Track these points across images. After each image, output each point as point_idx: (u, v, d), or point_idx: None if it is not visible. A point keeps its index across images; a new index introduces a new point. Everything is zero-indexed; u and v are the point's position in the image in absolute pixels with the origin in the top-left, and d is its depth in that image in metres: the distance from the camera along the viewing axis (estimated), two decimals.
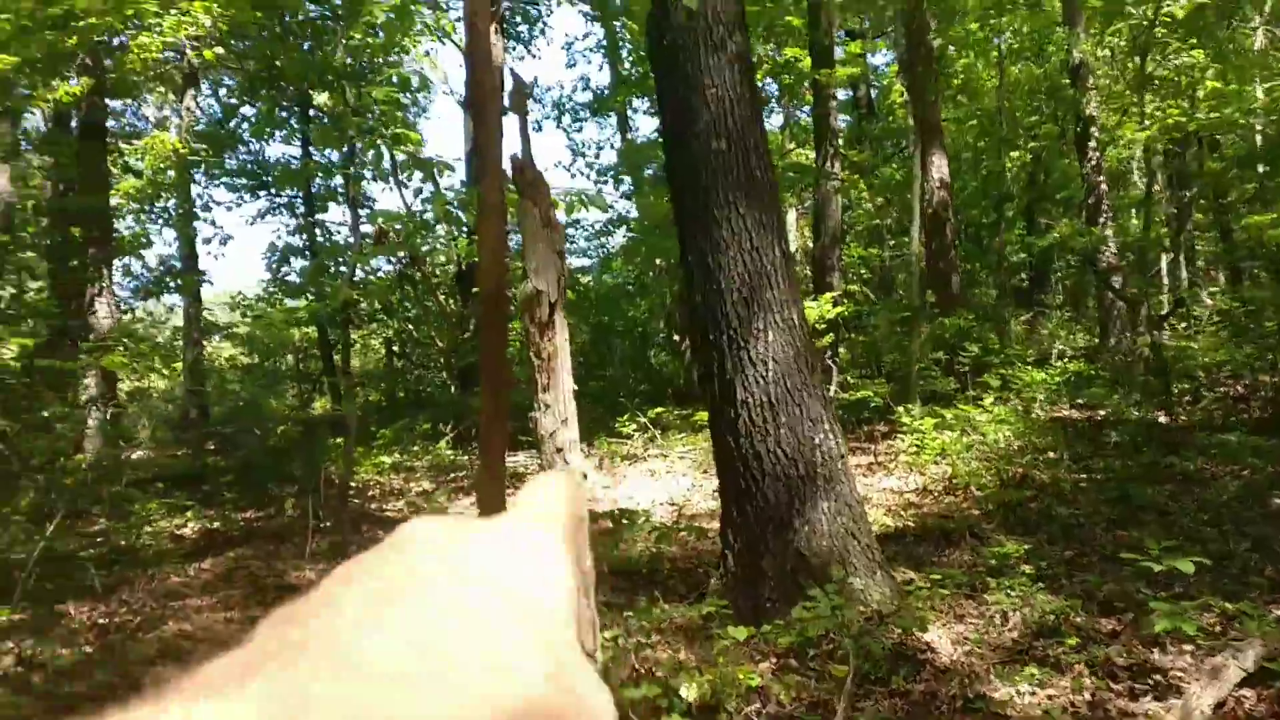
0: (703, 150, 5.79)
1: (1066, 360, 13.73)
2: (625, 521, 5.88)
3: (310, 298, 12.96)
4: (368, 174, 11.84)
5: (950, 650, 4.95)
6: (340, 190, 13.81)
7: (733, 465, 5.83)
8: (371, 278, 12.23)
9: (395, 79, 9.28)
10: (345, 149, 10.66)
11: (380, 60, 10.68)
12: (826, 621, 4.86)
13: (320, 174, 16.14)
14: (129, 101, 25.20)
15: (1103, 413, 11.44)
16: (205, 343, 22.28)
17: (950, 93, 18.69)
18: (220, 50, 10.27)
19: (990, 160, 19.27)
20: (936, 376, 12.10)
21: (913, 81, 13.21)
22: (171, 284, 22.78)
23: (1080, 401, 12.01)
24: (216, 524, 10.65)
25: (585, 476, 11.34)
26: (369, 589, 0.40)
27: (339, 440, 13.63)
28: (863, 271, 22.18)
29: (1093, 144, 15.52)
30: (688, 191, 5.94)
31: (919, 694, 4.53)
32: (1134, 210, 19.93)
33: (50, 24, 9.75)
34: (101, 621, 6.98)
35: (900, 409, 11.20)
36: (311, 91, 11.02)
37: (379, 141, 8.20)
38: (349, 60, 9.90)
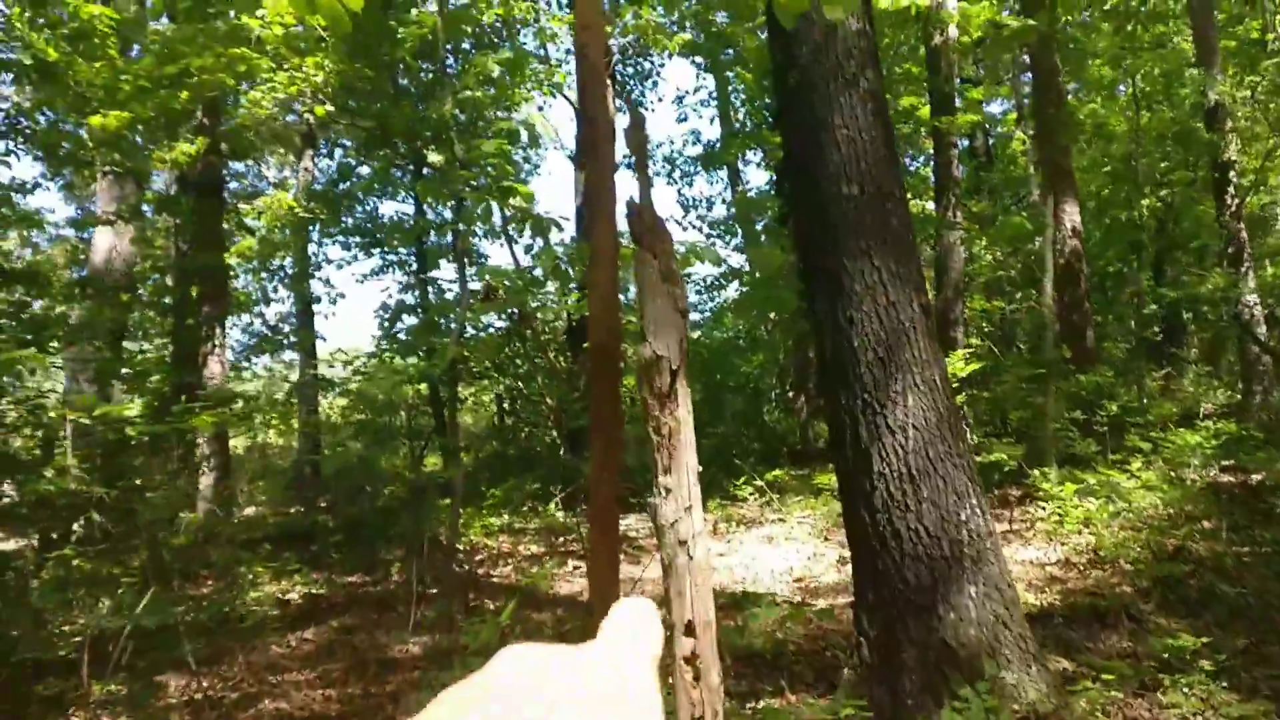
0: (833, 195, 5.31)
1: (1214, 420, 12.77)
2: (751, 609, 5.35)
3: (421, 355, 12.79)
4: (478, 230, 11.66)
5: None
6: (451, 246, 13.63)
7: (868, 543, 5.27)
8: (480, 334, 11.98)
9: (505, 132, 9.04)
10: (453, 203, 10.46)
11: (491, 114, 10.48)
12: None
13: (432, 230, 16.06)
14: (250, 163, 25.90)
15: (1258, 476, 10.50)
16: (321, 399, 22.47)
17: (1076, 139, 17.89)
18: (331, 108, 10.18)
19: (1119, 208, 18.35)
20: (1075, 437, 11.30)
21: (1042, 125, 12.53)
22: (285, 341, 23.10)
23: (1230, 464, 11.07)
24: (322, 590, 10.39)
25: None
26: None
27: (448, 501, 13.37)
28: (984, 325, 21.34)
29: (1232, 189, 14.60)
30: (815, 241, 5.46)
31: None
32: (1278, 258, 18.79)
33: (166, 83, 9.77)
34: (197, 697, 6.69)
35: (1035, 473, 10.46)
36: (424, 149, 10.84)
37: (487, 197, 7.95)
38: (458, 113, 9.70)
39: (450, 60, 13.29)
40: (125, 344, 19.00)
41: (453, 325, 9.95)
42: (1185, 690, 4.82)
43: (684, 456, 2.66)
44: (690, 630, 2.48)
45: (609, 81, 14.45)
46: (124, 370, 15.69)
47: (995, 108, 24.54)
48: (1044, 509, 9.63)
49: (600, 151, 3.18)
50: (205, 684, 7.07)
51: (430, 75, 10.81)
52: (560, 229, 8.43)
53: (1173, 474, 9.66)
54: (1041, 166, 12.44)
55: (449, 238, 15.80)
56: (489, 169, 8.29)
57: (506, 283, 8.15)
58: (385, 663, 7.41)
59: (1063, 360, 12.08)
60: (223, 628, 8.50)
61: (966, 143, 24.07)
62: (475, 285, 8.63)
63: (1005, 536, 9.85)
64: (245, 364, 24.72)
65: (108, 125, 9.11)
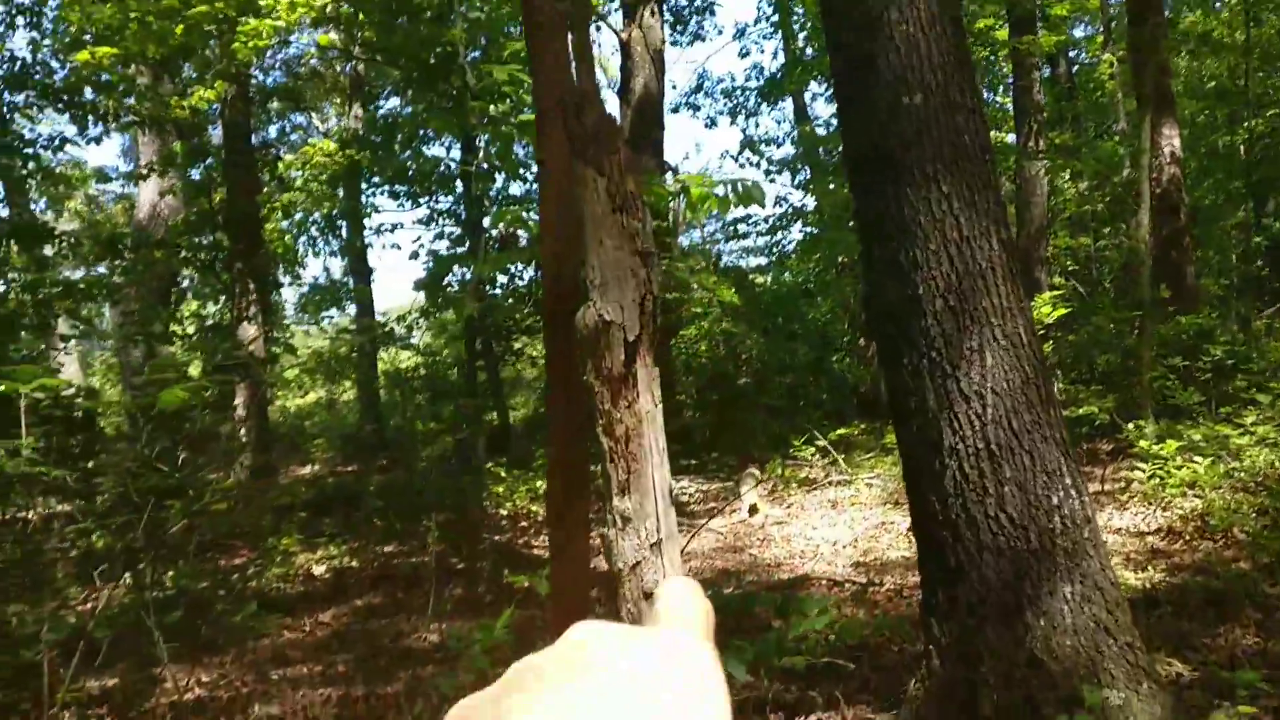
0: (890, 107, 4.31)
1: None
2: (796, 617, 4.46)
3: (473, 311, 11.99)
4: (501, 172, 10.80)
5: None
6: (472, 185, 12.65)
7: (937, 534, 4.33)
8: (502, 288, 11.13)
9: (522, 56, 8.08)
10: (464, 138, 9.61)
11: (506, 32, 9.48)
12: None
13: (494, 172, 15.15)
14: (306, 113, 25.32)
15: None
16: (382, 356, 21.98)
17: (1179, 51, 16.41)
18: (334, 35, 9.35)
19: (1219, 133, 16.86)
20: (1174, 386, 10.15)
21: (1138, 39, 11.23)
22: (339, 296, 22.62)
23: None
24: (353, 563, 9.73)
25: (754, 509, 9.93)
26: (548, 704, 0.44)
27: (502, 461, 12.65)
28: (1068, 263, 20.04)
29: None
30: (868, 165, 4.47)
31: None
32: None
33: (168, 16, 9.06)
34: (189, 697, 6.02)
35: (1130, 426, 9.39)
36: (435, 76, 9.88)
37: (506, 128, 7.08)
38: (468, 34, 8.74)
39: None
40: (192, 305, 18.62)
41: (466, 278, 9.10)
42: None
43: (649, 469, 1.76)
44: None
45: (655, 11, 13.41)
46: (173, 330, 15.23)
47: (1080, 31, 22.98)
48: (1141, 469, 8.56)
49: (542, 30, 2.26)
50: (205, 678, 6.43)
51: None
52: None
53: None
54: (1137, 86, 11.16)
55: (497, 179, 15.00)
56: (502, 99, 7.38)
57: (523, 232, 7.27)
58: (399, 655, 6.69)
59: (1160, 301, 10.89)
60: (236, 609, 7.84)
61: (1048, 70, 22.62)
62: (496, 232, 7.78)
63: (1097, 499, 8.82)
64: (300, 321, 24.34)
65: (99, 60, 8.38)
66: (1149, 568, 6.75)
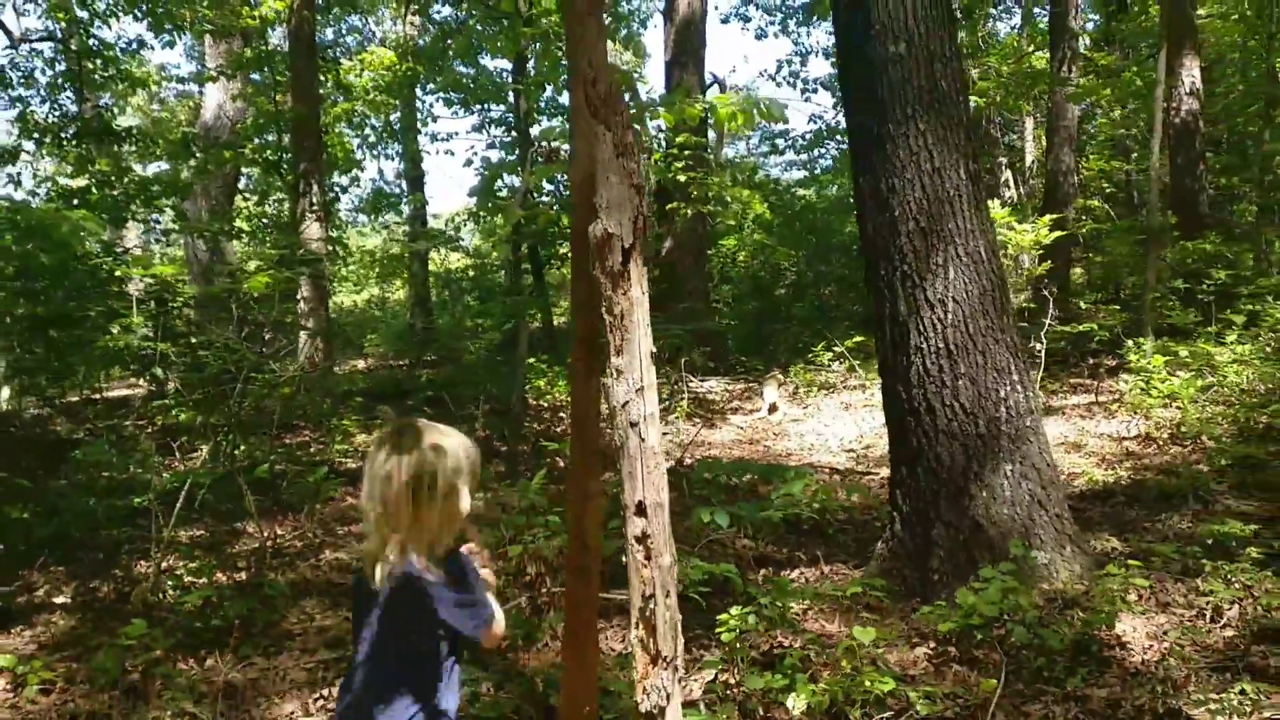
0: (878, 54, 5.03)
1: None
2: (778, 482, 5.32)
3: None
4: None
5: (1145, 648, 4.20)
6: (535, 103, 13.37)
7: (903, 420, 5.16)
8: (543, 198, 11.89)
9: None
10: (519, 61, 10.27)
11: None
12: (995, 606, 4.19)
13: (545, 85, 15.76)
14: (363, 17, 25.83)
15: None
16: (433, 257, 22.83)
17: None
18: None
19: (1257, 60, 17.05)
20: (1175, 307, 10.80)
21: None
22: (395, 199, 23.43)
23: None
24: None
25: (775, 408, 10.78)
26: None
27: (544, 358, 13.57)
28: (1105, 186, 20.39)
29: None
30: (860, 104, 5.22)
31: (1099, 701, 3.82)
32: None
33: None
34: (272, 544, 6.99)
35: (1130, 343, 10.07)
36: None
37: (556, 51, 7.74)
38: None
39: None
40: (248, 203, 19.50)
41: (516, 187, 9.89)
42: (1228, 577, 4.64)
43: (636, 337, 2.59)
44: (641, 510, 2.45)
45: None
46: (238, 227, 16.11)
47: None
48: (1128, 380, 9.28)
49: (580, 19, 3.02)
50: (277, 532, 7.39)
51: None
52: (643, 81, 8.20)
53: (1274, 349, 9.18)
54: (1162, 15, 11.57)
55: (547, 91, 15.64)
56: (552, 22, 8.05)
57: (565, 146, 8.01)
58: None
59: (1168, 226, 11.46)
60: (302, 480, 8.82)
61: None
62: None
63: (1089, 409, 9.59)
64: (359, 221, 25.17)
65: None
66: (1117, 467, 7.53)
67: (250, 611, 5.44)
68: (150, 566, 6.14)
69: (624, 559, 2.46)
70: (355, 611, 2.37)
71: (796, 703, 3.13)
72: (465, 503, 2.40)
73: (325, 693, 4.53)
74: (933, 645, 4.37)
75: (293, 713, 4.39)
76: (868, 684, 3.23)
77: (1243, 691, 3.67)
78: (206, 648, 5.11)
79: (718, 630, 4.05)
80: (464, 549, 2.45)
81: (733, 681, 3.92)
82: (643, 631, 2.43)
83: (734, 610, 3.97)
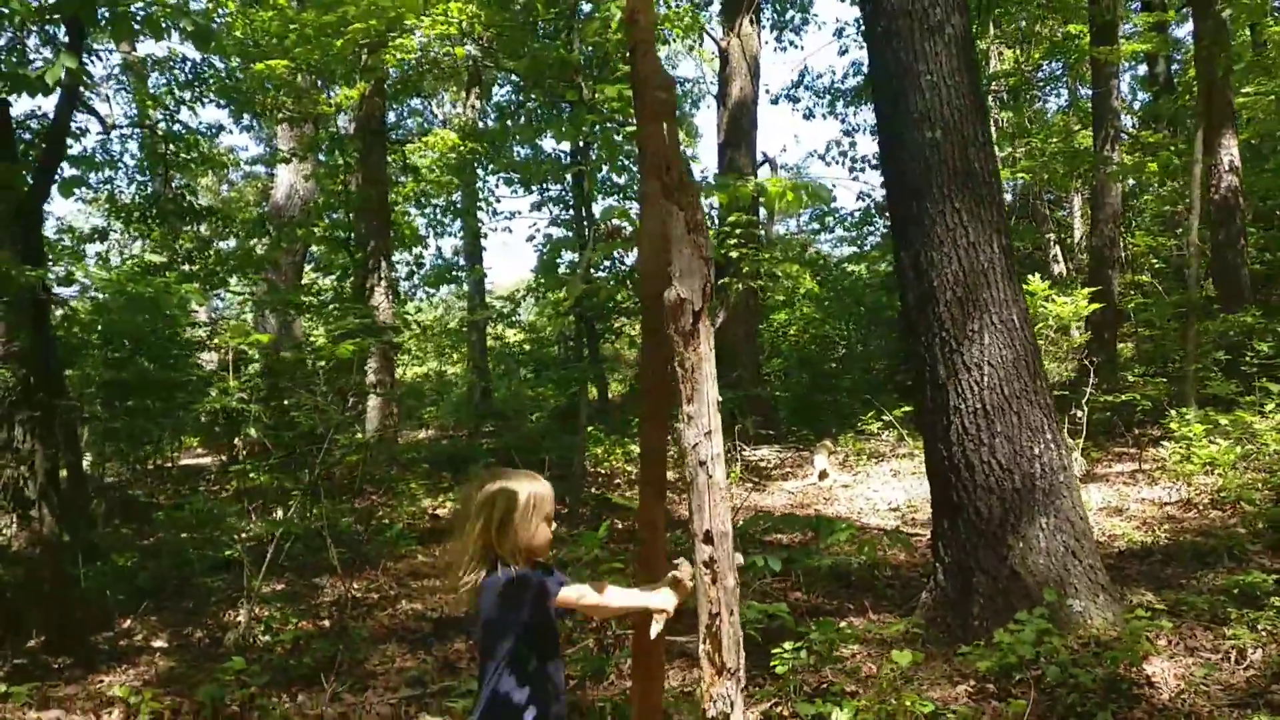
0: (916, 141, 5.51)
1: None
2: (827, 532, 5.71)
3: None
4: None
5: (1173, 687, 4.50)
6: (596, 183, 14.05)
7: (943, 475, 5.54)
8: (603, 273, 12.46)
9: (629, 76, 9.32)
10: (581, 144, 10.90)
11: (616, 58, 10.84)
12: (1030, 647, 4.53)
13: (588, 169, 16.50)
14: (422, 102, 26.80)
15: None
16: (490, 331, 23.43)
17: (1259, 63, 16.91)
18: (472, 49, 10.72)
19: None
20: (1217, 378, 11.05)
21: (1198, 55, 12.05)
22: (455, 274, 24.14)
23: None
24: None
25: (825, 474, 11.13)
26: None
27: (600, 427, 14.06)
28: (1153, 262, 20.62)
29: None
30: (901, 185, 5.69)
31: None
32: None
33: (327, 31, 10.50)
34: (349, 596, 7.44)
35: (1173, 412, 10.32)
36: (558, 88, 11.24)
37: (616, 137, 8.35)
38: (588, 55, 10.05)
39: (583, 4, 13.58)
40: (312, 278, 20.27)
41: (577, 263, 10.45)
42: (1252, 624, 4.93)
43: (705, 388, 3.02)
44: (709, 539, 2.86)
45: (754, 19, 14.56)
46: (305, 300, 16.81)
47: (1185, 30, 23.40)
48: (1169, 447, 9.54)
49: (646, 101, 3.50)
50: (355, 585, 7.84)
51: (560, 19, 11.19)
52: (698, 165, 8.74)
53: None
54: (1200, 96, 11.99)
55: (603, 171, 16.29)
56: (611, 112, 8.67)
57: (627, 225, 8.57)
58: None
59: (1207, 299, 11.75)
60: (377, 538, 9.30)
61: (1148, 70, 23.05)
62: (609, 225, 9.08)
63: (1133, 476, 9.83)
64: (418, 296, 25.88)
65: (274, 69, 9.86)
66: (1156, 530, 7.79)
67: (336, 653, 5.89)
68: (241, 614, 6.61)
69: (691, 582, 2.87)
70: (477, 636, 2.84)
71: (840, 716, 3.49)
72: (545, 534, 2.86)
73: None
74: (972, 684, 4.70)
75: None
76: (909, 703, 3.58)
77: None
78: (298, 684, 5.57)
79: (773, 664, 4.43)
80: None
81: (786, 713, 4.28)
82: (709, 646, 2.83)
83: (787, 645, 4.35)
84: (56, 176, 6.65)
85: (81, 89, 6.84)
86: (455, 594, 2.76)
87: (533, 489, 2.85)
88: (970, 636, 5.25)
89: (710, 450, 2.96)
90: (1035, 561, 5.24)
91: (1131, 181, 19.25)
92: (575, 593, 2.74)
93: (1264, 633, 4.90)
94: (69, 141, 6.98)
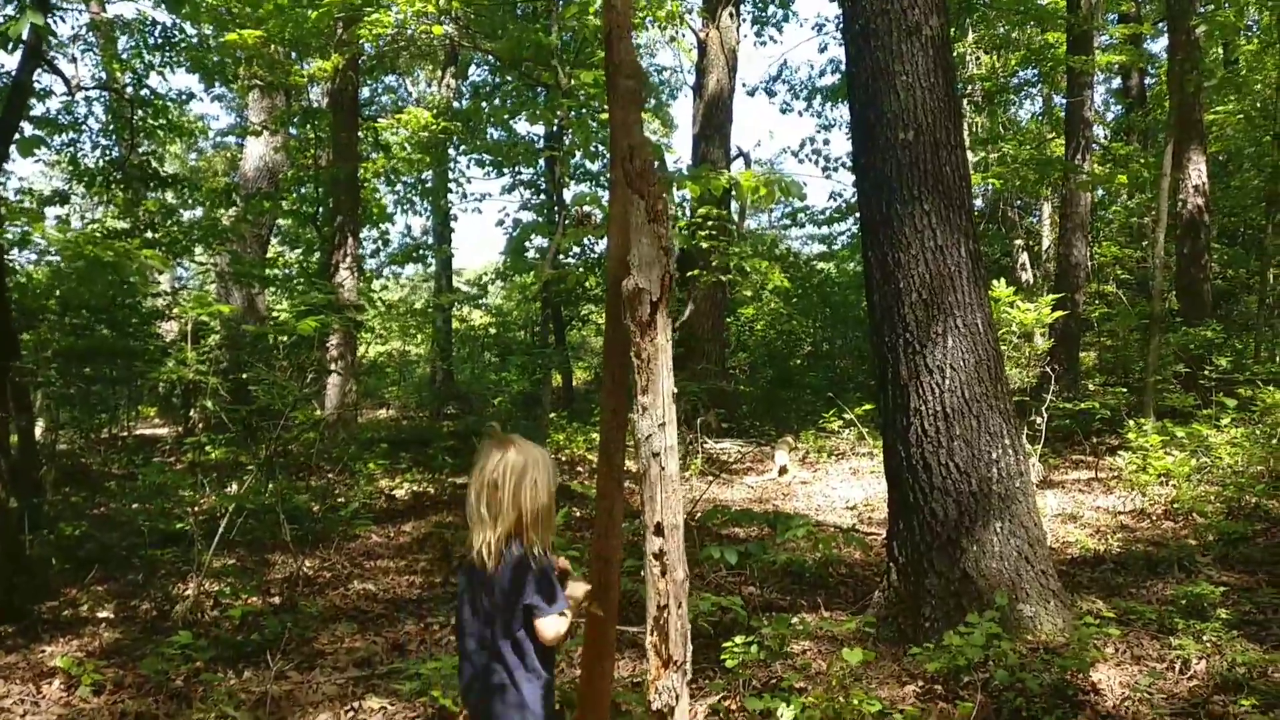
0: (889, 142, 5.51)
1: None
2: (783, 529, 5.71)
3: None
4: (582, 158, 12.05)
5: (1117, 694, 4.53)
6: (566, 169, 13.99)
7: (901, 476, 5.55)
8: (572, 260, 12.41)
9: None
10: (554, 129, 10.84)
11: (596, 42, 10.78)
12: (979, 650, 4.55)
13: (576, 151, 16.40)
14: (397, 79, 26.58)
15: None
16: (456, 314, 23.34)
17: (1230, 81, 17.10)
18: (449, 29, 10.62)
19: (1272, 156, 17.58)
20: (1176, 390, 11.18)
21: (1170, 71, 12.15)
22: (424, 253, 24.00)
23: None
24: (429, 488, 11.11)
25: (784, 470, 11.15)
26: None
27: (563, 414, 14.01)
28: (1119, 272, 20.83)
29: None
30: (871, 185, 5.68)
31: None
32: None
33: (302, 2, 10.37)
34: (302, 573, 7.36)
35: (1130, 423, 10.43)
36: (535, 73, 11.17)
37: (590, 122, 8.29)
38: (566, 39, 9.98)
39: None
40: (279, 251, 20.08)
41: (546, 248, 10.39)
42: (1197, 635, 4.98)
43: (660, 379, 2.99)
44: (659, 531, 2.84)
45: (734, 13, 14.53)
46: (270, 273, 16.63)
47: (1160, 45, 23.66)
48: (1126, 459, 9.64)
49: (618, 90, 3.47)
50: (307, 563, 7.76)
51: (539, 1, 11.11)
52: (671, 153, 8.74)
53: (1259, 431, 9.53)
54: (1170, 111, 12.09)
55: (576, 157, 16.24)
56: (587, 99, 8.62)
57: (598, 211, 8.51)
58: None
59: (1169, 313, 11.88)
60: (330, 516, 9.21)
61: (1121, 82, 23.26)
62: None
63: (1088, 484, 9.93)
64: (383, 275, 25.72)
65: (246, 40, 9.73)
66: (1110, 537, 7.86)
67: (284, 630, 5.83)
68: (189, 588, 6.53)
69: (642, 573, 2.85)
70: (465, 591, 2.84)
71: (786, 713, 3.48)
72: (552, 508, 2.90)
73: (355, 705, 4.88)
74: (920, 684, 4.71)
75: None
76: (856, 701, 3.58)
77: None
78: (244, 660, 5.51)
79: (723, 657, 4.42)
80: (558, 562, 2.92)
81: (734, 707, 4.27)
82: (656, 638, 2.82)
83: (738, 639, 4.34)
84: (16, 136, 6.52)
85: (46, 48, 6.70)
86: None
87: (552, 463, 2.98)
88: (921, 637, 5.27)
89: (664, 442, 2.93)
90: (988, 565, 5.26)
91: (1101, 192, 19.45)
92: (552, 630, 2.75)
93: (1209, 644, 4.94)
94: (32, 102, 6.83)
